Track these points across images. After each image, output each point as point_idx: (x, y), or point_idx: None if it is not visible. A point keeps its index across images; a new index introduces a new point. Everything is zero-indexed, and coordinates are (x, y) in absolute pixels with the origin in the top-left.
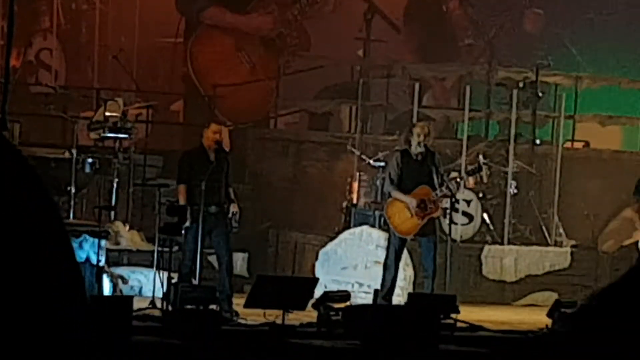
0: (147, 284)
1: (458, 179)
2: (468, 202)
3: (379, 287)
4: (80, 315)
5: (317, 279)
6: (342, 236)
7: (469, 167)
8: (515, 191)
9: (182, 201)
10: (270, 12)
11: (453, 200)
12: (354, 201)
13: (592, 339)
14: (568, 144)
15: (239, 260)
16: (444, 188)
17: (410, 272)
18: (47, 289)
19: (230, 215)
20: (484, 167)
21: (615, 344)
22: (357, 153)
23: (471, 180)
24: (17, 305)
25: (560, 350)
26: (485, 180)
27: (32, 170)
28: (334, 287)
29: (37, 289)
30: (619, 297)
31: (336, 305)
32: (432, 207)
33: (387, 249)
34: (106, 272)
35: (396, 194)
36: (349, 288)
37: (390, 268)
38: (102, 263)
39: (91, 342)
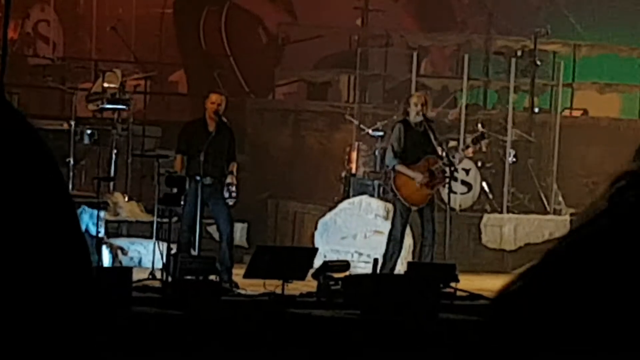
0: (147, 255)
1: (461, 150)
2: (467, 171)
3: (378, 256)
4: (86, 285)
5: (317, 249)
6: (341, 206)
7: (472, 136)
8: (514, 160)
9: (178, 171)
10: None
11: (452, 169)
12: (353, 171)
13: (516, 328)
14: (566, 112)
15: (238, 231)
16: (445, 161)
17: (409, 241)
18: (53, 259)
19: (225, 186)
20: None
21: (541, 332)
22: (356, 123)
23: (470, 150)
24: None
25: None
26: (484, 149)
27: (37, 136)
28: (333, 257)
29: (43, 258)
30: (547, 278)
31: (336, 275)
32: (440, 176)
33: (393, 220)
34: (105, 243)
35: (402, 169)
36: (348, 258)
37: (396, 239)
38: (101, 234)
39: (96, 313)
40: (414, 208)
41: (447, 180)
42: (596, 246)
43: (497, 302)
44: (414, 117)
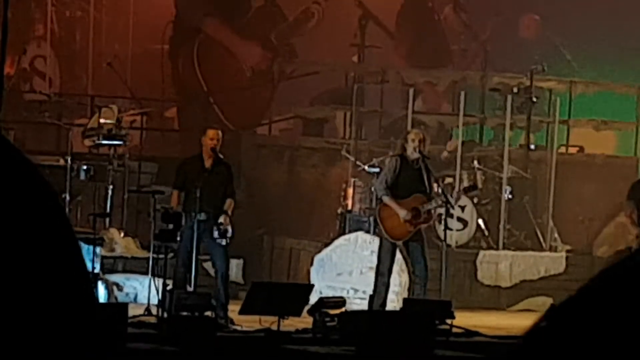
0: (143, 291)
1: (453, 194)
2: (463, 208)
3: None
4: (89, 318)
5: (312, 285)
6: (337, 242)
7: (466, 184)
8: (510, 196)
9: (174, 206)
10: (259, 44)
11: (448, 206)
12: (349, 207)
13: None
14: (562, 149)
15: (234, 267)
16: (439, 200)
17: (405, 277)
18: (57, 295)
19: (218, 224)
20: (479, 172)
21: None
22: (352, 159)
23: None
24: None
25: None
26: (479, 186)
27: (37, 172)
28: (329, 293)
29: (46, 294)
30: (572, 316)
31: (331, 311)
32: (425, 216)
33: (379, 255)
34: (101, 279)
35: (389, 202)
36: (344, 294)
37: (383, 274)
38: (97, 270)
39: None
40: (396, 242)
41: (433, 220)
42: (629, 285)
43: (528, 339)
44: (410, 153)
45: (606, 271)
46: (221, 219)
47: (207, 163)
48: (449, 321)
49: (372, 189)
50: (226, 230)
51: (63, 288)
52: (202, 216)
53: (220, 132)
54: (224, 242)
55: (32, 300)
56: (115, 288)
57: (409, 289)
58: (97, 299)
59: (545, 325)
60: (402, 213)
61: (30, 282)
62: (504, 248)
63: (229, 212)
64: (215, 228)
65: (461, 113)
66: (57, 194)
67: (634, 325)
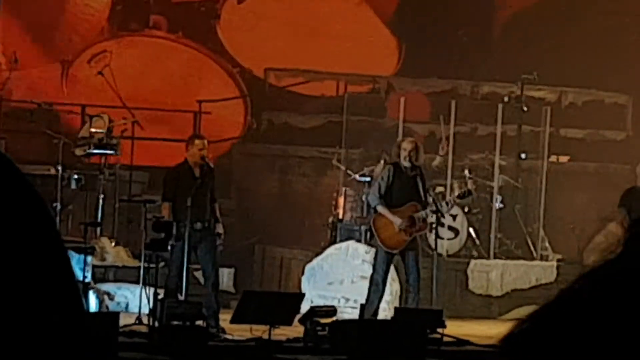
0: (134, 300)
1: (448, 201)
2: (454, 217)
3: (364, 301)
4: (78, 326)
5: (304, 294)
6: (328, 251)
7: (458, 192)
8: (501, 205)
9: (167, 218)
10: None
11: (439, 214)
12: (340, 216)
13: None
14: (553, 158)
15: (225, 276)
16: (432, 207)
17: (396, 286)
18: (45, 303)
19: (216, 235)
20: (470, 181)
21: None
22: (343, 168)
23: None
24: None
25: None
26: (473, 197)
27: (26, 181)
28: (320, 302)
29: (35, 303)
30: (552, 320)
31: (323, 320)
32: (421, 224)
33: (374, 263)
34: (92, 288)
35: (383, 211)
36: (335, 303)
37: (378, 284)
38: (88, 279)
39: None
40: (392, 252)
41: (427, 228)
42: (611, 288)
43: (506, 342)
44: (403, 162)
45: (590, 273)
46: (219, 229)
47: (197, 172)
48: (440, 330)
49: (364, 198)
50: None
51: (51, 298)
52: (199, 225)
53: (206, 141)
54: (220, 248)
55: (18, 310)
56: (106, 297)
57: (400, 298)
58: (85, 308)
59: (525, 328)
60: (397, 222)
61: (16, 292)
62: (495, 257)
63: (219, 218)
64: (217, 238)
65: (452, 122)
66: (45, 204)
67: (618, 327)
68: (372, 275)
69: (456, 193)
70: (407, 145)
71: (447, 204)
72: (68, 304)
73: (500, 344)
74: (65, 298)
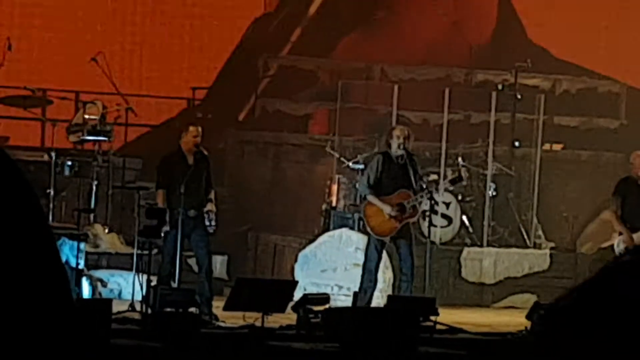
0: (127, 287)
1: (438, 187)
2: (447, 205)
3: (358, 289)
4: (66, 315)
5: (297, 282)
6: (321, 239)
7: (450, 176)
8: (494, 193)
9: (161, 205)
10: None
11: (432, 202)
12: (333, 204)
13: (565, 339)
14: (547, 146)
15: (219, 263)
16: (423, 194)
17: (389, 274)
18: (32, 289)
19: (205, 214)
20: (463, 169)
21: (588, 344)
22: (336, 155)
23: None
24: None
25: (537, 351)
26: (464, 182)
27: (15, 167)
28: (313, 290)
29: (21, 289)
30: (590, 297)
31: (315, 308)
32: (411, 211)
33: (366, 251)
34: (85, 275)
35: (373, 199)
36: (328, 290)
37: (370, 272)
38: (81, 266)
39: (76, 343)
40: (383, 239)
41: (418, 215)
42: (625, 286)
43: (549, 314)
44: (395, 150)
45: (603, 270)
46: (209, 207)
47: (190, 159)
48: (432, 318)
49: (357, 185)
50: (215, 217)
51: (40, 285)
52: (192, 213)
53: (200, 128)
54: (212, 231)
55: (7, 299)
56: (99, 284)
57: (393, 286)
58: (73, 296)
59: (572, 300)
60: (387, 209)
61: (5, 280)
62: (488, 245)
63: (214, 201)
64: (206, 218)
65: (446, 110)
66: (34, 192)
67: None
68: (364, 264)
69: (449, 178)
70: (398, 133)
71: (437, 190)
72: (56, 292)
73: (545, 312)
74: (53, 286)
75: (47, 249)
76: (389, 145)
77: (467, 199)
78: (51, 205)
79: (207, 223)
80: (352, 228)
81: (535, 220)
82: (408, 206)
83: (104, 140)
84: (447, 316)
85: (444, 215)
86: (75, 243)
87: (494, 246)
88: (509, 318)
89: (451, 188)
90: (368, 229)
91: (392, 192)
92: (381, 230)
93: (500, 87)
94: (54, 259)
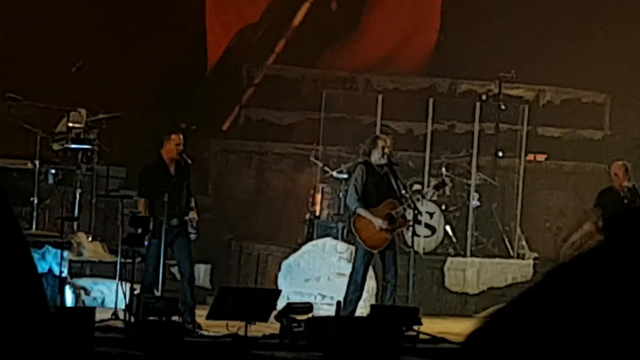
0: (110, 295)
1: (422, 194)
2: (431, 215)
3: (341, 298)
4: (42, 326)
5: (280, 291)
6: (304, 248)
7: (434, 182)
8: (478, 203)
9: (143, 214)
10: None
11: (416, 212)
12: (317, 213)
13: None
14: (530, 157)
15: (202, 272)
16: (409, 203)
17: (372, 284)
18: (6, 299)
19: (188, 222)
20: (447, 179)
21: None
22: (320, 165)
23: (435, 193)
24: None
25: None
26: (447, 192)
27: None
28: (296, 299)
29: None
30: (532, 299)
31: (299, 317)
32: (401, 220)
33: (354, 262)
34: (69, 283)
35: (363, 212)
36: (311, 300)
37: (357, 282)
38: (64, 274)
39: (53, 353)
40: (374, 251)
41: (408, 224)
42: (594, 269)
43: (490, 320)
44: (378, 159)
45: (549, 273)
46: (192, 215)
47: (172, 169)
48: (416, 327)
49: (341, 195)
50: (196, 224)
51: (14, 294)
52: (175, 222)
53: (182, 136)
54: (194, 238)
55: None
56: (82, 292)
57: (376, 295)
58: (51, 304)
59: (484, 328)
60: (378, 222)
61: None
62: (471, 255)
63: (195, 209)
64: (190, 226)
65: (429, 120)
66: (6, 197)
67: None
68: (351, 274)
69: (432, 184)
70: (383, 143)
71: (422, 198)
72: (31, 300)
73: (465, 340)
74: (27, 295)
75: (20, 257)
76: (369, 154)
77: (451, 208)
78: (35, 213)
79: (190, 230)
80: (335, 237)
81: (518, 230)
82: (397, 216)
83: (88, 149)
84: (430, 326)
85: (427, 225)
86: (59, 251)
87: (477, 256)
88: None
89: (435, 195)
90: (360, 242)
91: (378, 201)
92: (373, 242)
93: (484, 97)
94: (29, 267)
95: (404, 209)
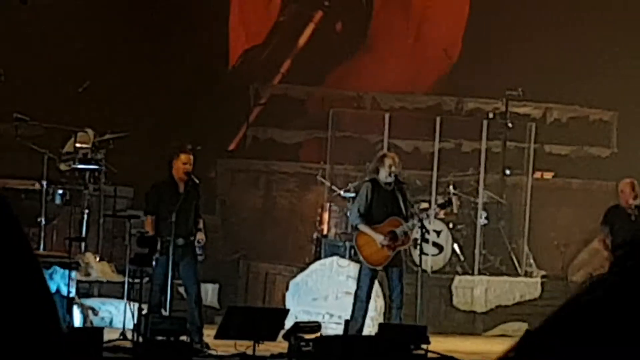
0: (118, 315)
1: (428, 212)
2: (438, 233)
3: (349, 317)
4: (55, 345)
5: (288, 310)
6: (312, 267)
7: (440, 200)
8: (486, 221)
9: (150, 232)
10: None
11: (423, 230)
12: (324, 232)
13: None
14: (538, 174)
15: (210, 291)
16: (415, 221)
17: (380, 302)
18: (20, 320)
19: (195, 242)
20: (454, 198)
21: None
22: (327, 184)
23: (441, 212)
24: None
25: None
26: (455, 211)
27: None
28: (304, 318)
29: (9, 321)
30: (566, 323)
31: (307, 336)
32: (403, 238)
33: (358, 280)
34: (77, 303)
35: (364, 228)
36: (319, 319)
37: (362, 300)
38: (72, 294)
39: None
40: (377, 268)
41: (411, 242)
42: (601, 304)
43: (525, 338)
44: (385, 177)
45: (575, 298)
46: (199, 236)
47: (181, 188)
48: (424, 346)
49: (347, 213)
50: (204, 245)
51: (28, 316)
52: (181, 241)
53: (191, 156)
54: (201, 258)
55: None
56: (90, 312)
57: (384, 314)
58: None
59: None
60: (379, 238)
61: None
62: (479, 273)
63: (203, 230)
64: (198, 247)
65: (437, 138)
66: (10, 209)
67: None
68: (356, 292)
69: (438, 202)
70: (390, 161)
71: (427, 215)
72: (44, 322)
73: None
74: (41, 316)
75: (33, 279)
76: (377, 172)
77: (458, 227)
78: (42, 234)
79: (197, 252)
80: (343, 256)
81: (526, 248)
82: (400, 233)
83: (95, 169)
84: (438, 344)
85: (435, 244)
86: (67, 271)
87: (485, 274)
88: (500, 346)
89: (442, 213)
90: (361, 259)
91: (383, 219)
92: (374, 259)
93: (491, 115)
94: (42, 289)
95: (410, 228)
